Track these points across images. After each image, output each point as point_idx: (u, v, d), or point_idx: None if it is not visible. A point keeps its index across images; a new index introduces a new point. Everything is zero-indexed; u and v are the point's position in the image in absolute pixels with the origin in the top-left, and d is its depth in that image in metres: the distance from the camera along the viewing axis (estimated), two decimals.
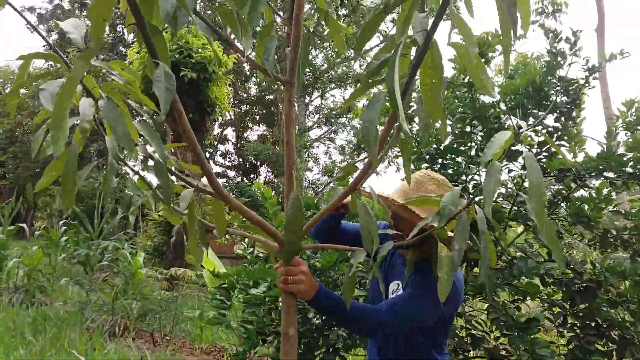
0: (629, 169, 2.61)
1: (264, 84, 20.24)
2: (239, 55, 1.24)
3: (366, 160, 1.26)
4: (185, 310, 5.65)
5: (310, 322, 2.61)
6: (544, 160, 2.84)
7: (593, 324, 2.76)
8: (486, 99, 2.74)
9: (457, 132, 2.79)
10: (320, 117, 19.84)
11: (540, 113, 2.75)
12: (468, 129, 2.75)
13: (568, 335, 2.79)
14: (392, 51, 0.95)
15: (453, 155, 2.77)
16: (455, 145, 2.74)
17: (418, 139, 2.64)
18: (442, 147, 2.68)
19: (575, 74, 2.56)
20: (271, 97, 20.42)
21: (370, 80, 1.51)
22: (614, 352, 2.65)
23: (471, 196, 1.30)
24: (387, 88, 0.84)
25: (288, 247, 1.14)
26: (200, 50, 7.57)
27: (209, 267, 4.70)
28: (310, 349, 2.54)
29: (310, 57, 18.26)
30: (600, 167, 2.63)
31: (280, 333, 2.51)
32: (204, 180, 1.26)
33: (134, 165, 1.33)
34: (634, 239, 2.85)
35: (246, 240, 3.88)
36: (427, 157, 2.67)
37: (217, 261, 4.91)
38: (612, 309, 2.69)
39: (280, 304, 2.65)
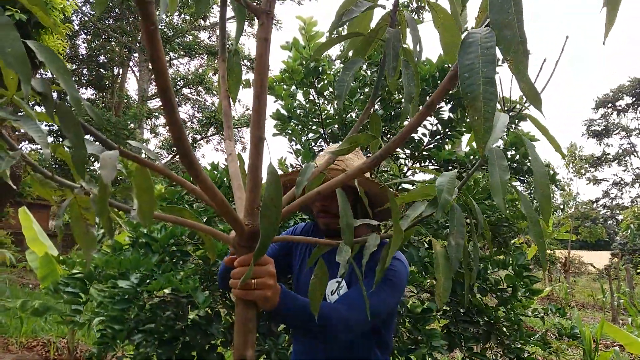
0: (511, 164, 2.73)
1: (96, 42, 18.06)
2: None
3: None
4: None
5: (186, 317, 2.24)
6: (433, 149, 2.84)
7: (463, 311, 2.86)
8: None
9: (359, 112, 2.62)
10: None
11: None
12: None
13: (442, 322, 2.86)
14: None
15: None
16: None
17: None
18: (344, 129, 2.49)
19: None
20: (103, 58, 18.32)
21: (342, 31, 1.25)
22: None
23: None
24: None
25: (263, 238, 0.80)
26: None
27: (37, 249, 3.89)
28: (187, 347, 2.17)
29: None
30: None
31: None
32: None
33: None
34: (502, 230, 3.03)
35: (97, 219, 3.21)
36: (329, 134, 2.46)
37: (48, 241, 4.10)
38: (483, 295, 2.83)
39: (157, 297, 2.23)
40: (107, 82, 18.95)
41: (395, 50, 1.13)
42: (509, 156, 2.68)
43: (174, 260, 2.32)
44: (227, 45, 1.31)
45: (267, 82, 0.96)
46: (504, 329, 2.81)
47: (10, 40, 0.66)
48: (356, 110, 2.65)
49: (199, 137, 17.93)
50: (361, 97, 2.60)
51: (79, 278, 2.11)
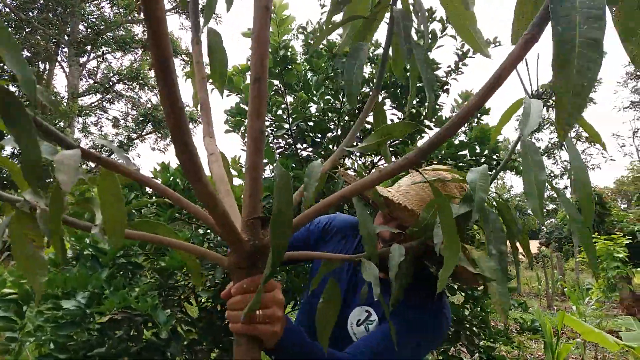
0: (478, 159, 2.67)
1: (18, 35, 16.78)
2: None
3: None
4: None
5: (141, 338, 1.99)
6: (400, 145, 2.73)
7: None
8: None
9: (323, 106, 2.46)
10: (97, 81, 17.20)
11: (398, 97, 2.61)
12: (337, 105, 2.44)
13: None
14: None
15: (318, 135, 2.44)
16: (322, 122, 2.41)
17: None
18: (311, 124, 2.32)
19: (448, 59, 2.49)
20: (27, 52, 17.06)
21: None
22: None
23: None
24: None
25: (275, 256, 0.62)
26: None
27: None
28: None
29: (84, 12, 15.80)
30: (454, 153, 2.63)
31: None
32: None
33: None
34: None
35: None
36: (295, 130, 2.28)
37: None
38: (452, 295, 2.75)
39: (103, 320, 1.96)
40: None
41: (407, 31, 0.98)
42: (477, 151, 2.61)
43: (124, 274, 2.06)
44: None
45: (267, 62, 0.78)
46: (474, 327, 2.76)
47: None
48: (321, 104, 2.48)
49: (134, 135, 17.05)
50: (325, 90, 2.43)
51: (12, 300, 1.81)
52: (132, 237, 0.76)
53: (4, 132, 0.54)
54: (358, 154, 2.96)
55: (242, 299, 0.78)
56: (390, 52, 1.08)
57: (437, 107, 2.55)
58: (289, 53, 2.06)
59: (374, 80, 2.51)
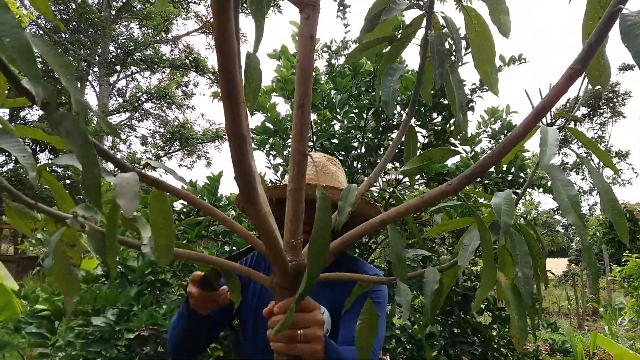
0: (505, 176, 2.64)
1: None
2: None
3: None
4: None
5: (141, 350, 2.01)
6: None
7: (458, 331, 2.74)
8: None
9: (347, 125, 2.48)
10: (127, 100, 17.65)
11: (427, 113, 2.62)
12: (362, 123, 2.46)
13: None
14: None
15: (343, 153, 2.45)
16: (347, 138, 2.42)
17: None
18: (335, 141, 2.34)
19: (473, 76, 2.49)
20: None
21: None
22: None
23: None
24: None
25: (310, 277, 0.64)
26: None
27: None
28: None
29: (114, 32, 16.29)
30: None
31: None
32: None
33: None
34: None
35: (40, 235, 2.85)
36: (319, 148, 2.30)
37: (3, 269, 3.74)
38: (479, 315, 2.72)
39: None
40: (63, 98, 18.27)
41: (440, 55, 1.00)
42: (504, 169, 2.59)
43: (152, 291, 2.09)
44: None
45: (311, 89, 0.79)
46: (501, 348, 2.70)
47: (9, 27, 0.50)
48: (345, 122, 2.50)
49: (162, 153, 17.41)
50: (349, 108, 2.46)
51: (45, 316, 1.85)
52: (179, 256, 0.79)
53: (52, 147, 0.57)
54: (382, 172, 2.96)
55: (283, 320, 0.79)
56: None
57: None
58: (314, 74, 2.10)
59: (402, 101, 2.53)
